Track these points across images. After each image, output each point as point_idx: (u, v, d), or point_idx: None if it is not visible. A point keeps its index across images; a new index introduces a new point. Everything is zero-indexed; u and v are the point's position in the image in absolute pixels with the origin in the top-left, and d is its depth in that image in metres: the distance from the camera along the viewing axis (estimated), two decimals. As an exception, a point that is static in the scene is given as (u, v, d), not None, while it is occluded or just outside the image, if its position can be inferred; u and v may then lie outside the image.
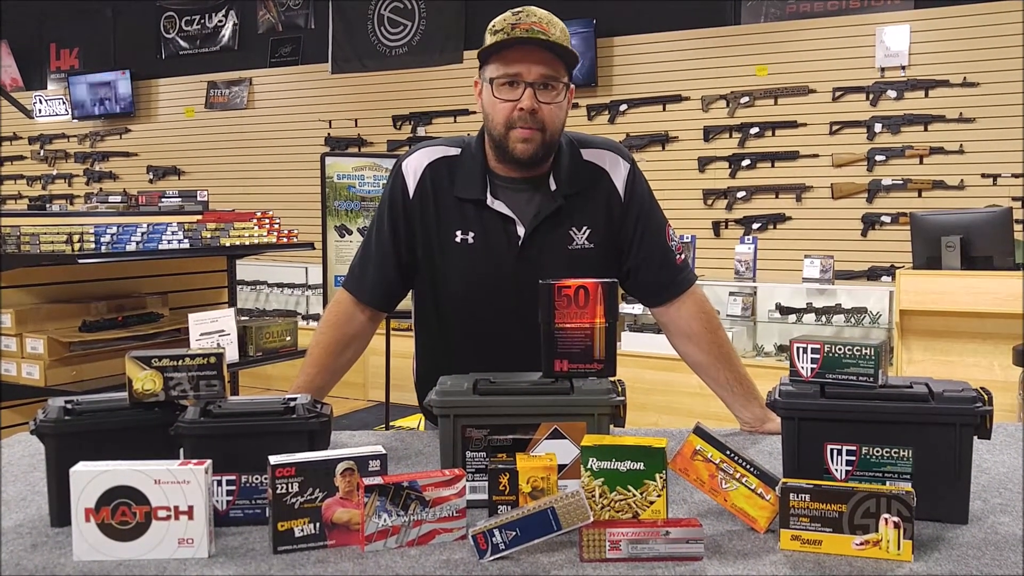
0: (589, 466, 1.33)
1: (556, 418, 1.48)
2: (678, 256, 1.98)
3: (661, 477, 1.33)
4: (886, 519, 1.26)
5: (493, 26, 1.80)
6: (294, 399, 1.49)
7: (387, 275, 1.95)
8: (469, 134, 1.98)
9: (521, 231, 1.86)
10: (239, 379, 4.77)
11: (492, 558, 1.27)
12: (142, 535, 1.29)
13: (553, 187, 1.88)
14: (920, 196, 5.95)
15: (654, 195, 1.99)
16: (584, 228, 1.89)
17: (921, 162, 5.96)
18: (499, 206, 1.86)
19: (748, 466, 1.38)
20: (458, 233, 1.87)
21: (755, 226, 6.44)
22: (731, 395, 1.93)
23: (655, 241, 1.95)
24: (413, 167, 1.91)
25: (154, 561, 1.28)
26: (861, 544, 1.27)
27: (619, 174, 1.93)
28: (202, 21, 8.92)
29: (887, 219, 6.04)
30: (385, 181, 2.01)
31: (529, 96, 1.77)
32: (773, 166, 6.41)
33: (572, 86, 1.85)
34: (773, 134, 6.40)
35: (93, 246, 3.65)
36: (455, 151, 1.92)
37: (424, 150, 1.93)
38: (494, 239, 1.87)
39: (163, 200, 5.25)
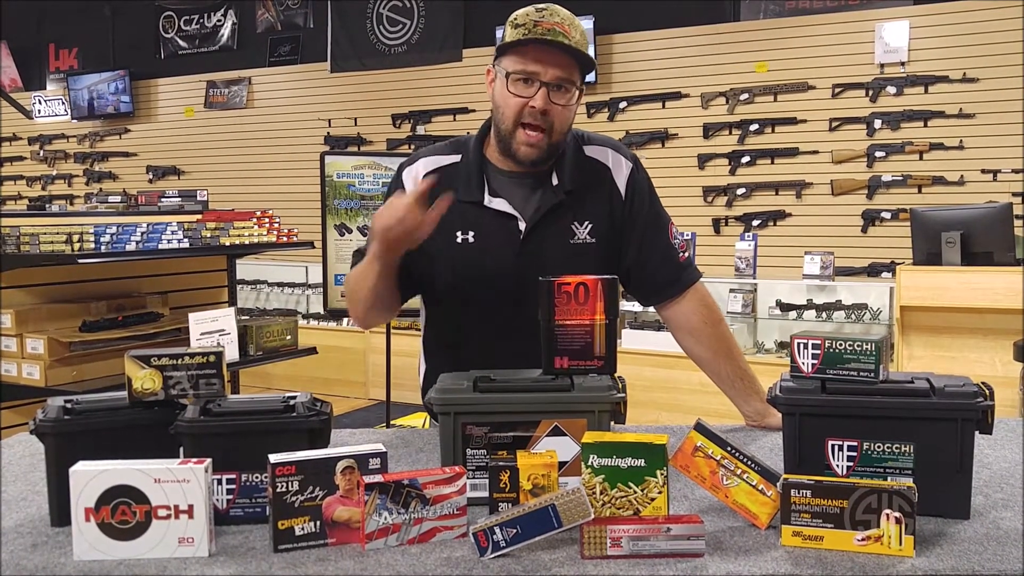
0: (590, 463, 1.33)
1: (557, 415, 1.48)
2: (681, 254, 1.99)
3: (662, 474, 1.32)
4: (888, 514, 1.26)
5: (515, 19, 1.80)
6: (294, 397, 1.49)
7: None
8: (469, 132, 1.98)
9: (522, 226, 1.87)
10: (239, 378, 4.78)
11: (493, 555, 1.26)
12: (142, 534, 1.28)
13: (555, 182, 1.89)
14: (920, 192, 5.94)
15: (656, 193, 2.00)
16: (586, 223, 1.89)
17: (921, 158, 5.95)
18: (498, 204, 1.87)
19: (749, 462, 1.38)
20: (459, 234, 1.88)
21: (755, 223, 6.44)
22: (732, 389, 1.95)
23: (657, 240, 1.96)
24: (412, 177, 1.93)
25: (154, 560, 1.28)
26: (863, 540, 1.27)
27: (621, 172, 1.94)
28: (201, 21, 8.92)
29: (887, 215, 6.03)
30: (385, 180, 2.03)
31: (543, 96, 1.77)
32: (773, 163, 6.40)
33: (583, 88, 1.86)
34: (773, 131, 6.39)
35: (93, 246, 3.65)
36: (455, 158, 1.93)
37: (424, 159, 1.95)
38: (494, 236, 1.87)
39: (163, 200, 5.25)
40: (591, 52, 1.89)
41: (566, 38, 1.76)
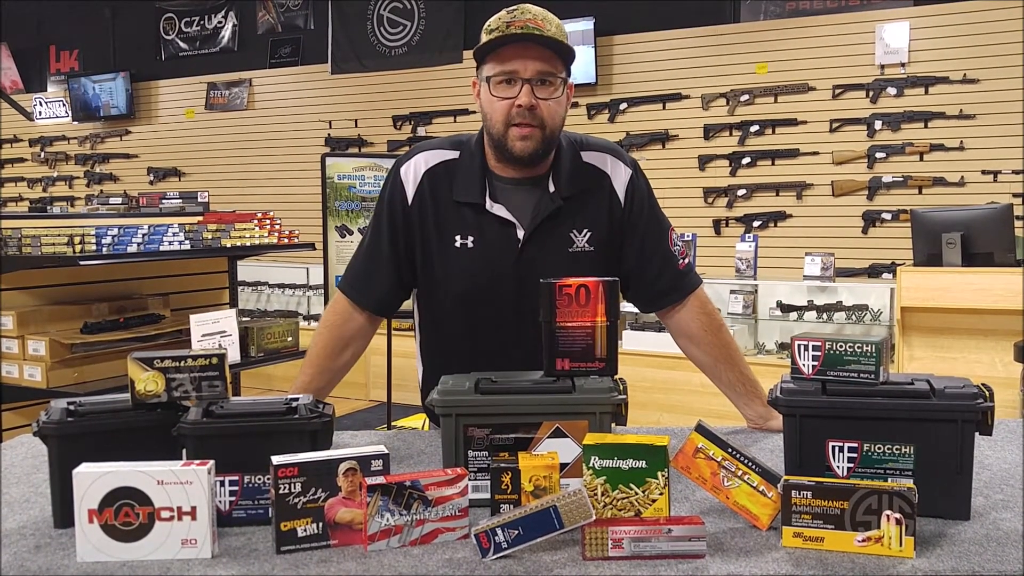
0: (591, 464, 1.33)
1: (558, 417, 1.48)
2: (680, 261, 1.96)
3: (663, 475, 1.33)
4: (888, 515, 1.26)
5: (488, 25, 1.80)
6: (296, 399, 1.49)
7: (387, 281, 1.94)
8: (466, 133, 1.98)
9: (521, 233, 1.86)
10: (241, 380, 4.77)
11: (495, 557, 1.27)
12: (145, 536, 1.29)
13: (552, 188, 1.87)
14: (920, 193, 5.95)
15: (656, 199, 1.99)
16: (585, 230, 1.88)
17: (921, 159, 5.96)
18: (498, 209, 1.86)
19: (750, 463, 1.38)
20: (457, 238, 1.87)
21: (756, 224, 6.44)
22: (734, 393, 1.95)
23: (657, 247, 1.94)
24: (412, 173, 1.91)
25: (157, 562, 1.28)
26: (863, 541, 1.27)
27: (620, 178, 1.92)
28: (201, 22, 8.93)
29: (888, 216, 6.04)
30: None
31: (527, 92, 1.77)
32: (773, 164, 6.41)
33: (571, 82, 1.85)
34: (773, 132, 6.40)
35: (94, 248, 3.65)
36: (453, 154, 1.91)
37: (422, 155, 1.92)
38: (494, 242, 1.86)
39: (164, 201, 5.26)
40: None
41: (540, 32, 1.75)
